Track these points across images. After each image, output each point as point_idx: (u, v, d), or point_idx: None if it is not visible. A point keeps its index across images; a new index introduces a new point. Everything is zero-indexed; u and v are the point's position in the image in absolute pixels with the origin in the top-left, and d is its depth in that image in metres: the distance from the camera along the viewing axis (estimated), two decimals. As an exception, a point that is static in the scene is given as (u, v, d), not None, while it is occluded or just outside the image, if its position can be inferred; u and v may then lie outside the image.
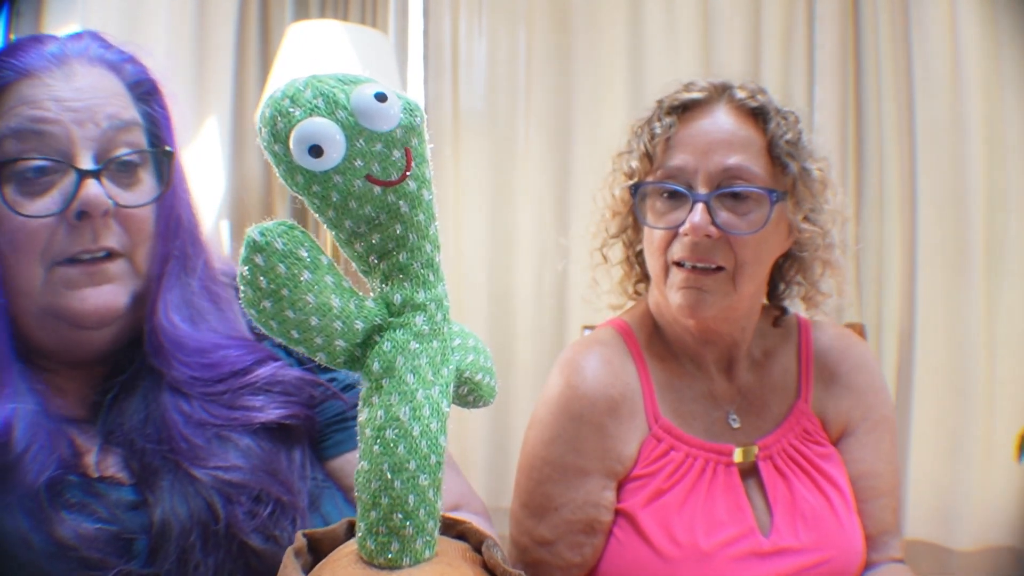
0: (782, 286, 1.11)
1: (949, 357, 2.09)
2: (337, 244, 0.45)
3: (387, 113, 0.41)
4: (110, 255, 0.70)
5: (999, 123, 2.06)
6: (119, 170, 0.71)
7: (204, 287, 0.78)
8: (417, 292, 0.44)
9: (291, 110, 0.39)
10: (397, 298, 0.44)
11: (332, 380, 0.82)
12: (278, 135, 0.40)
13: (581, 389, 1.02)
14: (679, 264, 0.98)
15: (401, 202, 0.43)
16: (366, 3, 2.49)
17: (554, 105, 2.47)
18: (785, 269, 1.09)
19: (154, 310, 0.74)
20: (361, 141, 0.40)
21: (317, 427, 0.80)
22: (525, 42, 2.50)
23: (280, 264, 0.40)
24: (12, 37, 1.86)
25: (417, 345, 0.43)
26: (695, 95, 1.00)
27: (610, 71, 2.43)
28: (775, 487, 1.02)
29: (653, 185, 1.00)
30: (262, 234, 0.40)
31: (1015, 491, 2.02)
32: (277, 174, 0.42)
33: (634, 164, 1.01)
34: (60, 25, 1.95)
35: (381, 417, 0.42)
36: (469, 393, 0.49)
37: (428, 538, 0.43)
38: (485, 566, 0.45)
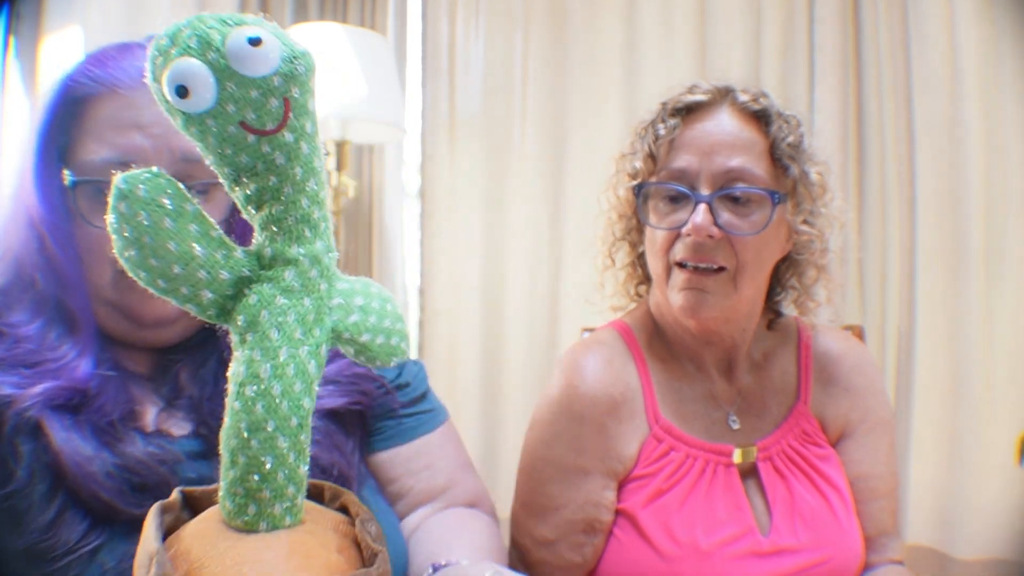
0: (778, 290, 1.12)
1: (949, 360, 2.10)
2: (226, 189, 0.44)
3: (261, 57, 0.39)
4: None
5: (998, 126, 2.07)
6: (190, 192, 0.76)
7: None
8: (290, 247, 0.43)
9: (168, 49, 0.39)
10: (268, 251, 0.43)
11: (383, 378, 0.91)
12: (156, 73, 0.39)
13: (582, 389, 1.02)
14: (681, 265, 0.98)
15: (277, 153, 0.41)
16: (365, 5, 2.50)
17: (550, 108, 2.48)
18: (782, 272, 1.10)
19: None
20: (232, 85, 0.39)
21: (368, 420, 0.87)
22: (522, 45, 2.51)
23: (142, 211, 0.40)
24: (12, 38, 1.86)
25: (285, 301, 0.42)
26: (698, 97, 1.01)
27: (607, 74, 2.43)
28: (774, 488, 1.02)
29: (656, 186, 1.01)
30: (126, 181, 0.40)
31: (1017, 499, 2.02)
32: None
33: (638, 165, 1.02)
34: (60, 25, 1.95)
35: (242, 373, 0.40)
36: (357, 354, 0.47)
37: (288, 504, 0.41)
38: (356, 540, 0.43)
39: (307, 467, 0.42)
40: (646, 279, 1.12)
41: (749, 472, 1.04)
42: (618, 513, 1.00)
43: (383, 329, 0.46)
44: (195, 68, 0.38)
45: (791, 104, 1.06)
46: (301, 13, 2.50)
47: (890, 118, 2.19)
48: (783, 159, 0.99)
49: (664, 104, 1.03)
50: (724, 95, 1.01)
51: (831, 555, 0.99)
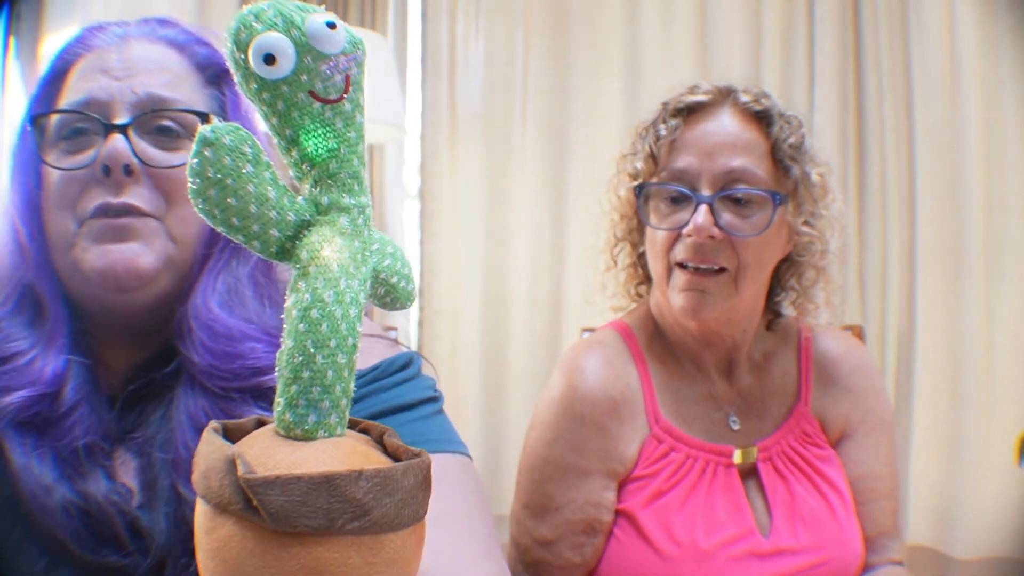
0: (778, 291, 1.12)
1: (949, 360, 2.10)
2: (279, 151, 0.51)
3: (334, 39, 0.47)
4: (138, 214, 0.69)
5: (998, 125, 2.07)
6: (159, 133, 0.72)
7: (253, 278, 0.76)
8: (343, 197, 0.49)
9: (254, 24, 0.46)
10: (325, 200, 0.49)
11: None
12: (240, 44, 0.46)
13: (582, 390, 1.02)
14: (682, 266, 0.98)
15: (337, 119, 0.49)
16: (365, 6, 2.50)
17: (551, 108, 2.48)
18: (782, 273, 1.10)
19: (192, 291, 0.71)
20: (309, 59, 0.47)
21: None
22: (522, 45, 2.51)
23: (227, 157, 0.46)
24: (12, 38, 1.86)
25: (341, 241, 0.48)
26: (700, 98, 1.01)
27: (607, 74, 2.44)
28: (774, 488, 1.02)
29: (657, 186, 1.01)
30: (212, 131, 0.46)
31: (1016, 499, 2.02)
32: (235, 80, 0.49)
33: (639, 165, 1.02)
34: (60, 25, 1.95)
35: (308, 299, 0.46)
36: (386, 295, 0.53)
37: (341, 415, 0.47)
38: (387, 453, 0.50)
39: (354, 384, 0.48)
40: (647, 279, 1.12)
41: (749, 473, 1.04)
42: (618, 513, 1.00)
43: (405, 275, 0.53)
44: (282, 41, 0.46)
45: (791, 104, 1.06)
46: (301, 13, 2.50)
47: (890, 119, 2.19)
48: (785, 160, 0.99)
49: (665, 104, 1.03)
50: (725, 95, 1.01)
51: (831, 556, 0.99)
